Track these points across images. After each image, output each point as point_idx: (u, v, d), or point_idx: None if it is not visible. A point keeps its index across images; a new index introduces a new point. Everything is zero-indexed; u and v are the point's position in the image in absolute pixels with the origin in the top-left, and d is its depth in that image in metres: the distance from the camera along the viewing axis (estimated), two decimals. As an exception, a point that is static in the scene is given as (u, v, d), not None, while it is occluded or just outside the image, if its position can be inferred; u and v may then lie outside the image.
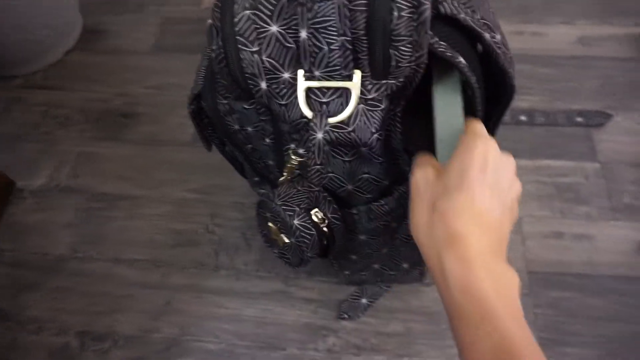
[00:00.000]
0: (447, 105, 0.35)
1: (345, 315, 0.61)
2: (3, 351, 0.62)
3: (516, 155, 0.73)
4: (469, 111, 0.35)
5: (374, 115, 0.32)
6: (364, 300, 0.61)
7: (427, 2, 0.27)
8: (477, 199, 0.26)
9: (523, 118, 0.75)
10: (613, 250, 0.64)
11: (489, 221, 0.26)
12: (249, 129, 0.41)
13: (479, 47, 0.34)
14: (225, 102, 0.40)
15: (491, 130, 0.44)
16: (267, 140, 0.41)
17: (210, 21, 0.32)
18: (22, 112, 0.83)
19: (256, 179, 0.52)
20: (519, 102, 0.78)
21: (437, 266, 0.26)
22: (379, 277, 0.56)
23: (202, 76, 0.42)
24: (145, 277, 0.67)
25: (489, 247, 0.25)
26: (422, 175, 0.30)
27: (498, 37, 0.33)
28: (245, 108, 0.39)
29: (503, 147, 0.37)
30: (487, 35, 0.32)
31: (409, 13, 0.28)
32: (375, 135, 0.33)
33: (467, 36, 0.32)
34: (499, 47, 0.33)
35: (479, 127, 0.31)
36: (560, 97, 0.79)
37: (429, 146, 0.36)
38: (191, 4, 0.96)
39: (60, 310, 0.65)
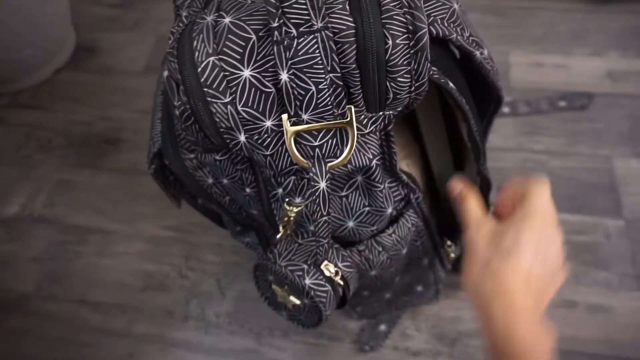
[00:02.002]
0: (434, 137, 0.37)
1: (367, 347, 0.56)
2: (-48, 398, 0.58)
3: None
4: (467, 133, 0.35)
5: (368, 140, 0.30)
6: (382, 327, 0.56)
7: (424, 26, 0.25)
8: (528, 265, 0.30)
9: (506, 110, 0.72)
10: (636, 327, 0.55)
11: (536, 286, 0.30)
12: (224, 181, 0.36)
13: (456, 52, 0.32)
14: (192, 156, 0.35)
15: (480, 144, 0.41)
16: (248, 190, 0.36)
17: (166, 73, 0.27)
18: (3, 133, 0.80)
19: (238, 228, 0.47)
20: (533, 144, 0.70)
21: (485, 313, 0.30)
22: (392, 305, 0.52)
23: (159, 131, 0.37)
24: (109, 323, 0.61)
25: (533, 307, 0.29)
26: (478, 235, 0.33)
27: (485, 52, 0.32)
28: (217, 160, 0.34)
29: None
30: (477, 54, 0.31)
31: (405, 40, 0.25)
32: (375, 161, 0.31)
33: (451, 54, 0.31)
34: (488, 63, 0.32)
35: (543, 192, 0.33)
36: (582, 139, 0.70)
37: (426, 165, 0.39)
38: (190, 22, 0.91)
39: (15, 356, 0.60)
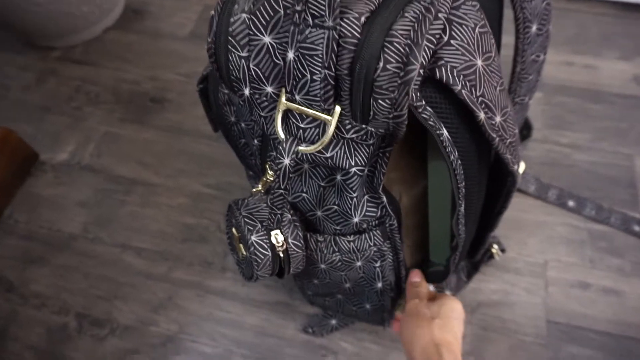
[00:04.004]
0: (438, 205, 0.39)
1: (310, 330, 0.59)
2: (2, 322, 0.62)
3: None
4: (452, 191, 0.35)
5: (358, 148, 0.31)
6: (333, 322, 0.59)
7: (416, 63, 0.25)
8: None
9: (571, 204, 0.67)
10: (643, 310, 0.60)
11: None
12: (242, 124, 0.39)
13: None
14: (225, 91, 0.38)
15: (495, 216, 0.44)
16: (256, 141, 0.39)
17: (212, 12, 0.30)
18: (55, 84, 0.84)
19: (250, 173, 0.50)
20: (558, 137, 0.74)
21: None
22: (341, 307, 0.54)
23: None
24: (150, 268, 0.66)
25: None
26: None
27: (497, 119, 0.31)
28: (240, 103, 0.37)
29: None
30: (481, 115, 0.30)
31: (395, 68, 0.25)
32: (355, 169, 0.32)
33: (466, 109, 0.30)
34: (496, 131, 0.32)
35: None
36: (606, 137, 0.74)
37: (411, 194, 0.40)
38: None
39: (63, 289, 0.64)
